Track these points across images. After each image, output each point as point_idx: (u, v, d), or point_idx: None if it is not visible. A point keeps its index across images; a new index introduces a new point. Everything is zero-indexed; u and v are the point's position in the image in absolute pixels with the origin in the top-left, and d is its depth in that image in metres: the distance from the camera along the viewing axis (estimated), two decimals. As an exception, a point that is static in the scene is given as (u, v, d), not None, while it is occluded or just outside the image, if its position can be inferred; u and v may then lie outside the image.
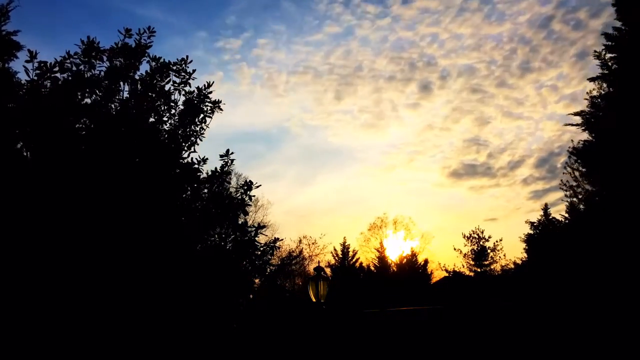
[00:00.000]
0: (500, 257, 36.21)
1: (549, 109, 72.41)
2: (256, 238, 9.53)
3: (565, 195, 20.27)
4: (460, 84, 77.42)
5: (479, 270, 36.22)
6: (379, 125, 79.08)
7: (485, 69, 74.46)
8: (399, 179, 78.86)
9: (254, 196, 9.83)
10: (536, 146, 74.56)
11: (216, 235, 9.60)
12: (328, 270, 45.76)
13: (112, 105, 9.00)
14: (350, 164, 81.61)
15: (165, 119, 9.38)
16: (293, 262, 38.93)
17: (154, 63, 9.33)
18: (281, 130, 79.62)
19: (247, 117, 74.64)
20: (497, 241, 36.41)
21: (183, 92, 9.54)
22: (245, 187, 9.59)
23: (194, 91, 9.56)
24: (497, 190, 77.66)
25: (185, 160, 9.31)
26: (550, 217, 27.95)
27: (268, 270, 10.30)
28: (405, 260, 49.92)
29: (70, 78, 8.65)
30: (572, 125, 18.42)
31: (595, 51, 17.75)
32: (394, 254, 51.10)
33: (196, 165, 9.27)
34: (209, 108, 9.62)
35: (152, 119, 9.28)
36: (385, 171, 77.76)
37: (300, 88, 79.70)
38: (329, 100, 79.68)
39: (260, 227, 9.68)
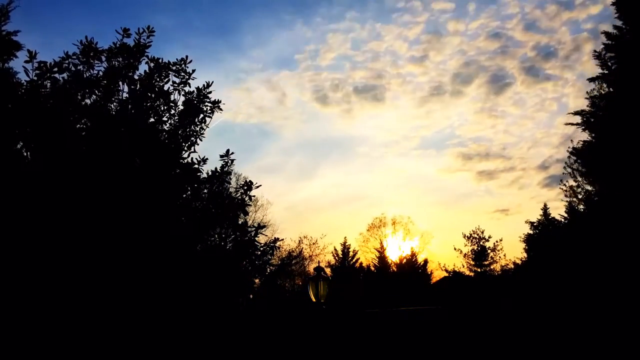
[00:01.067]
0: (500, 257, 36.20)
1: (581, 64, 58.98)
2: (256, 238, 9.53)
3: (565, 195, 20.25)
4: (478, 25, 64.52)
5: (479, 270, 36.20)
6: (377, 89, 67.49)
7: (514, 4, 60.86)
8: (401, 165, 71.51)
9: (253, 196, 9.84)
10: (561, 118, 64.61)
11: (216, 235, 9.60)
12: (328, 270, 45.73)
13: (112, 106, 9.00)
14: (347, 149, 74.53)
15: (165, 119, 9.38)
16: (293, 262, 38.91)
17: (152, 64, 9.33)
18: (264, 97, 69.53)
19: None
20: (497, 241, 36.44)
21: (182, 92, 9.54)
22: (245, 187, 9.59)
23: (193, 91, 9.57)
24: (511, 175, 69.38)
25: (185, 160, 9.31)
26: (550, 217, 27.98)
27: (268, 270, 10.31)
28: (405, 260, 49.91)
29: (69, 78, 8.65)
30: (572, 124, 18.42)
31: (595, 51, 17.75)
32: (394, 254, 51.14)
33: (196, 165, 9.27)
34: (208, 108, 9.62)
35: (151, 119, 9.27)
36: (386, 155, 70.38)
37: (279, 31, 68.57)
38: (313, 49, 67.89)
39: (260, 227, 9.67)
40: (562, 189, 20.26)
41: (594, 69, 18.49)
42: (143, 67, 9.36)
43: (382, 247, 50.59)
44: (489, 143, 69.23)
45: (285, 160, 75.58)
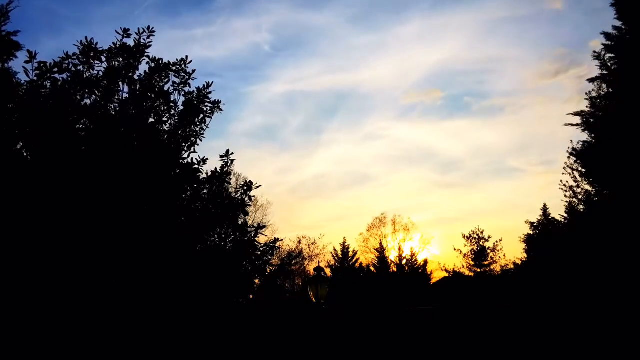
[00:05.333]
0: (500, 257, 36.31)
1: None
2: (256, 238, 9.55)
3: (565, 196, 20.22)
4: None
5: (478, 270, 36.25)
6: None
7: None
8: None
9: (253, 196, 9.86)
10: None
11: (216, 236, 9.60)
12: (328, 271, 45.71)
13: (112, 106, 9.00)
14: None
15: (165, 119, 9.39)
16: (293, 262, 38.92)
17: (152, 64, 9.33)
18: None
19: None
20: (496, 241, 36.55)
21: (183, 93, 9.56)
22: (245, 188, 9.61)
23: (193, 91, 9.58)
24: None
25: (185, 161, 9.32)
26: (550, 217, 27.99)
27: (268, 271, 10.30)
28: (404, 260, 49.87)
29: (69, 78, 8.65)
30: (572, 125, 18.39)
31: (594, 52, 17.72)
32: (394, 254, 51.04)
33: (196, 166, 9.29)
34: (208, 108, 9.64)
35: (151, 120, 9.28)
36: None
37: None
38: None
39: (260, 227, 9.69)
40: (561, 189, 20.25)
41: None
42: (143, 68, 9.39)
43: (381, 247, 50.53)
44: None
45: (273, 125, 64.95)
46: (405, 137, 67.41)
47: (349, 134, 67.91)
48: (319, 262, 41.28)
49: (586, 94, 18.31)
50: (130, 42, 9.28)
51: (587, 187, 18.93)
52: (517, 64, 66.71)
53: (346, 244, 48.53)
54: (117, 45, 9.17)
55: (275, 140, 66.19)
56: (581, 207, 19.32)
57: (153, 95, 9.27)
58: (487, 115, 68.29)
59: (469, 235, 37.03)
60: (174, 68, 9.47)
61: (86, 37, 8.90)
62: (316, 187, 65.83)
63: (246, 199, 9.57)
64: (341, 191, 67.10)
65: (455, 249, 37.30)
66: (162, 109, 9.35)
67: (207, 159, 9.39)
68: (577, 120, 18.29)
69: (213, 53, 62.04)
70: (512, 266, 34.52)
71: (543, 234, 26.28)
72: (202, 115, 9.56)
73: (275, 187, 62.87)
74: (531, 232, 28.03)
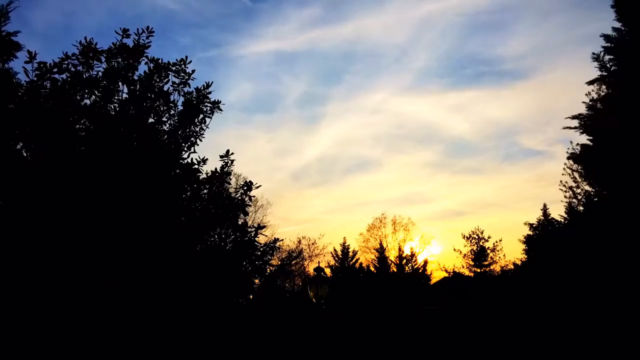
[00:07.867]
0: (500, 257, 36.29)
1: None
2: (256, 238, 9.55)
3: (564, 197, 20.25)
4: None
5: (478, 270, 36.24)
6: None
7: None
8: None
9: (253, 196, 9.87)
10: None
11: (216, 236, 9.61)
12: (328, 271, 45.71)
13: (111, 106, 9.01)
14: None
15: (164, 119, 9.40)
16: (293, 262, 38.91)
17: (152, 64, 9.35)
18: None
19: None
20: (496, 242, 36.55)
21: (182, 93, 9.57)
22: (245, 188, 9.62)
23: (193, 91, 9.60)
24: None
25: (185, 161, 9.33)
26: (550, 217, 27.99)
27: (268, 271, 10.30)
28: (405, 260, 49.83)
29: (69, 79, 8.66)
30: (570, 128, 18.39)
31: (593, 53, 17.70)
32: (393, 254, 50.98)
33: (196, 166, 9.30)
34: (208, 108, 9.65)
35: (151, 120, 9.30)
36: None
37: None
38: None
39: (260, 227, 9.70)
40: (561, 189, 20.27)
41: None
42: (143, 68, 9.40)
43: (381, 247, 50.50)
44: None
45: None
46: (411, 112, 62.14)
47: (350, 106, 62.39)
48: (319, 262, 41.30)
49: (585, 95, 18.33)
50: (130, 42, 9.30)
51: (587, 188, 18.96)
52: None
53: (346, 244, 48.58)
54: (117, 46, 9.18)
55: (269, 113, 60.12)
56: (581, 207, 19.35)
57: (153, 96, 9.27)
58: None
59: (468, 236, 37.04)
60: (173, 68, 9.48)
61: (85, 38, 8.93)
62: (316, 175, 62.40)
63: (246, 199, 9.58)
64: (343, 178, 63.03)
65: (455, 249, 37.33)
66: (162, 109, 9.36)
67: (207, 159, 9.43)
68: (575, 123, 18.30)
69: (177, 4, 52.33)
70: (512, 266, 34.55)
71: (543, 235, 26.29)
72: (201, 116, 9.57)
73: (274, 172, 58.03)
74: (531, 233, 28.04)
